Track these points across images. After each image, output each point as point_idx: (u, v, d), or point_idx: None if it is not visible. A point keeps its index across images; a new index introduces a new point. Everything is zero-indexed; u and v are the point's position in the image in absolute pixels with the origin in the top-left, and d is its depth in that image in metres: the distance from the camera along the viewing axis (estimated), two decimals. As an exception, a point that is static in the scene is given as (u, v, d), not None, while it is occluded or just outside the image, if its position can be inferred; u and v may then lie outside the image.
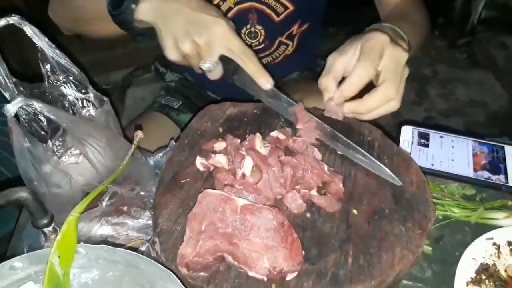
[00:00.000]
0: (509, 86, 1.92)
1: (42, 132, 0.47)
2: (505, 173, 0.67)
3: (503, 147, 0.71)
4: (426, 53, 2.14)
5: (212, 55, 0.60)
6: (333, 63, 0.60)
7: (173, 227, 0.50)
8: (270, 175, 0.52)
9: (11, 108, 0.40)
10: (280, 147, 0.56)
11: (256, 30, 0.90)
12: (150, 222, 0.56)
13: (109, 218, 0.54)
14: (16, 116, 0.43)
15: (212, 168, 0.55)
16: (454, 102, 1.84)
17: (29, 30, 0.47)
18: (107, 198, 0.51)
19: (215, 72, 0.62)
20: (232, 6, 0.86)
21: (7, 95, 0.46)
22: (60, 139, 0.49)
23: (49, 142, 0.47)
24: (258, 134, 0.56)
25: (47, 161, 0.45)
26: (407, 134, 0.73)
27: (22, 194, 0.40)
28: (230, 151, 0.56)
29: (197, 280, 0.45)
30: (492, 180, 0.67)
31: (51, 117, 0.41)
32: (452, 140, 0.73)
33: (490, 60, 2.06)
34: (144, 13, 0.61)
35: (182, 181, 0.54)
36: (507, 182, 0.66)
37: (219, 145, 0.57)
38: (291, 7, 0.87)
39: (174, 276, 0.39)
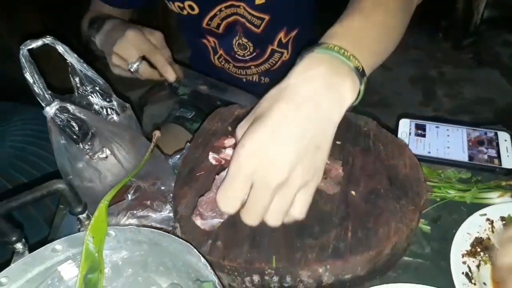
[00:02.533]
0: (515, 83, 1.95)
1: (74, 136, 0.54)
2: (499, 157, 0.72)
3: (496, 133, 0.76)
4: (432, 55, 2.18)
5: (130, 55, 0.74)
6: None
7: (191, 214, 0.56)
8: None
9: (49, 110, 0.48)
10: None
11: (243, 42, 0.98)
12: (171, 214, 0.63)
13: (134, 211, 0.61)
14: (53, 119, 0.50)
15: (223, 161, 0.62)
16: (462, 101, 1.87)
17: (61, 48, 0.55)
18: (132, 192, 0.58)
19: (143, 70, 0.75)
20: (220, 22, 0.95)
21: (43, 104, 0.54)
22: (89, 143, 0.56)
23: (80, 144, 0.54)
24: None
25: (80, 158, 0.53)
26: (405, 126, 0.79)
27: (60, 185, 0.47)
28: None
29: (214, 255, 0.51)
30: (487, 163, 0.71)
31: (82, 117, 0.48)
32: (447, 129, 0.78)
33: (495, 58, 2.09)
34: (98, 43, 0.82)
35: (197, 175, 0.61)
36: (501, 165, 0.71)
37: (229, 141, 0.63)
38: (266, 17, 0.93)
39: (193, 248, 0.45)
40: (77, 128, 0.55)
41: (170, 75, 0.76)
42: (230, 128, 0.68)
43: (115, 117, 0.61)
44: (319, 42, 0.49)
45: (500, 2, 2.22)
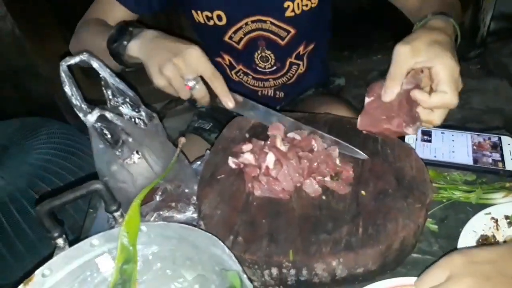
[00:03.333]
0: (523, 93, 1.97)
1: (108, 142, 0.60)
2: (502, 160, 0.75)
3: (499, 137, 0.80)
4: (440, 67, 2.21)
5: (191, 71, 0.69)
6: (405, 62, 0.65)
7: (214, 212, 0.61)
8: (290, 167, 0.63)
9: (91, 118, 0.53)
10: (298, 145, 0.67)
11: (266, 54, 1.03)
12: (194, 215, 0.68)
13: (161, 212, 0.66)
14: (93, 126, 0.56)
15: (242, 165, 0.67)
16: (470, 110, 1.90)
17: (96, 64, 0.61)
18: (160, 193, 0.63)
19: (199, 91, 0.71)
20: (243, 36, 0.99)
21: (81, 115, 0.60)
22: (120, 148, 0.61)
23: (115, 149, 0.60)
24: (278, 135, 0.68)
25: (114, 161, 0.58)
26: (411, 132, 0.83)
27: (97, 185, 0.53)
28: (255, 150, 0.67)
29: (236, 249, 0.55)
30: (491, 166, 0.75)
31: (119, 124, 0.54)
32: (452, 135, 0.82)
33: (502, 68, 2.12)
34: (133, 49, 0.74)
35: (218, 177, 0.66)
36: (505, 167, 0.74)
37: (247, 146, 0.68)
38: (292, 31, 0.98)
39: (218, 240, 0.50)
40: (109, 135, 0.60)
41: (231, 102, 0.73)
42: (247, 135, 0.73)
43: (143, 126, 0.67)
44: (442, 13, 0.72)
45: (506, 14, 2.26)
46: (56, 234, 0.53)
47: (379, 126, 0.68)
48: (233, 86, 1.14)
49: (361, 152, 0.66)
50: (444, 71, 0.63)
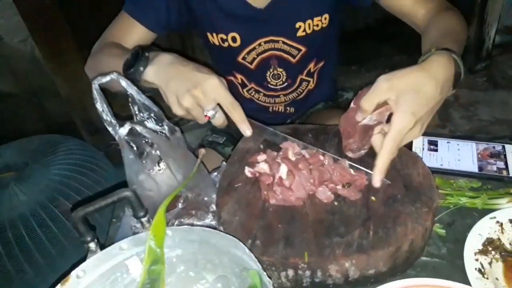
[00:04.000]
0: (530, 104, 2.00)
1: (136, 154, 0.65)
2: (507, 167, 0.79)
3: (503, 146, 0.83)
4: (447, 80, 2.25)
5: (210, 102, 0.70)
6: (379, 93, 0.65)
7: (232, 218, 0.65)
8: (302, 177, 0.67)
9: (123, 131, 0.58)
10: (308, 160, 0.71)
11: (278, 72, 1.08)
12: (212, 222, 0.72)
13: (182, 219, 0.70)
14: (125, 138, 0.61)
15: (257, 174, 0.71)
16: (478, 122, 1.93)
17: (124, 82, 0.66)
18: (182, 201, 0.68)
19: (217, 119, 0.73)
20: (256, 57, 1.04)
21: (110, 129, 0.65)
22: (146, 160, 0.66)
23: (142, 160, 0.65)
24: (290, 148, 0.72)
25: (142, 171, 0.63)
26: (418, 142, 0.87)
27: (127, 193, 0.57)
28: (269, 160, 0.71)
29: (254, 252, 0.59)
30: (495, 173, 0.78)
31: (148, 136, 0.59)
32: (458, 144, 0.85)
33: (509, 80, 2.15)
34: (150, 75, 0.73)
35: (235, 186, 0.70)
36: (509, 174, 0.78)
37: (261, 157, 0.73)
38: (303, 49, 1.03)
39: (239, 242, 0.54)
40: (135, 147, 0.65)
41: (249, 130, 0.74)
42: (262, 146, 0.78)
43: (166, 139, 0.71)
44: (440, 48, 0.71)
45: (510, 27, 2.31)
46: (89, 239, 0.57)
47: (346, 133, 0.72)
48: (244, 103, 1.19)
49: (370, 172, 0.67)
50: (395, 124, 0.63)
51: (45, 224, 1.47)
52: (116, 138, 0.66)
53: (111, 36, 0.99)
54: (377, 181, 0.66)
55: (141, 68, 0.73)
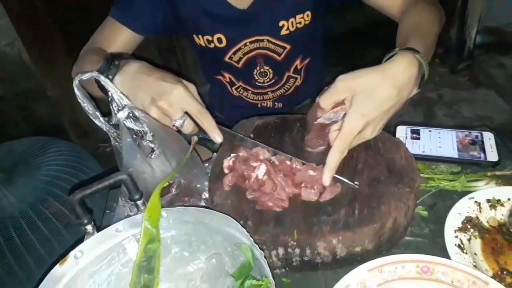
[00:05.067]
0: (511, 102, 2.06)
1: (133, 139, 0.67)
2: (484, 152, 0.83)
3: (481, 133, 0.88)
4: (431, 79, 2.30)
5: (177, 111, 0.69)
6: (333, 96, 0.67)
7: (224, 201, 0.68)
8: (281, 181, 0.68)
9: (122, 114, 0.61)
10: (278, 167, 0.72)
11: (265, 70, 1.11)
12: (204, 209, 0.74)
13: (175, 206, 0.72)
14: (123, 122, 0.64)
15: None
16: (461, 119, 1.97)
17: (103, 79, 0.68)
18: (175, 187, 0.70)
19: (187, 127, 0.72)
20: (242, 56, 1.07)
21: (96, 121, 0.68)
22: (140, 145, 0.68)
23: (137, 145, 0.67)
24: (260, 152, 0.73)
25: (138, 155, 0.65)
26: (402, 131, 0.91)
27: (123, 176, 0.59)
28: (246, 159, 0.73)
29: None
30: (474, 158, 0.82)
31: (145, 120, 0.61)
32: (439, 132, 0.90)
33: (490, 79, 2.21)
34: (117, 84, 0.71)
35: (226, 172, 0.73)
36: (486, 159, 0.82)
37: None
38: (288, 47, 1.06)
39: (231, 219, 0.56)
40: (134, 132, 0.68)
41: (219, 136, 0.74)
42: (252, 135, 0.81)
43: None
44: (404, 48, 0.71)
45: (490, 29, 2.38)
46: (86, 221, 0.59)
47: (308, 129, 0.74)
48: (233, 101, 1.22)
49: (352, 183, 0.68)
50: (345, 124, 0.66)
51: (34, 225, 1.47)
52: (104, 129, 0.68)
53: (98, 41, 0.99)
54: (326, 179, 0.66)
55: (110, 77, 0.72)
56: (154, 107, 0.69)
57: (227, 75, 1.14)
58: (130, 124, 0.63)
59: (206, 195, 0.76)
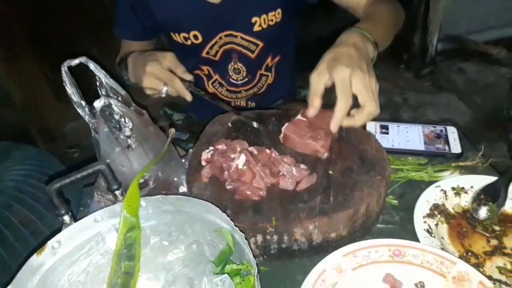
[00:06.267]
0: (471, 105, 2.18)
1: (110, 129, 0.67)
2: (448, 145, 0.88)
3: (445, 127, 0.93)
4: (396, 84, 2.42)
5: (157, 86, 0.89)
6: (316, 85, 0.76)
7: (203, 192, 0.69)
8: (260, 171, 0.70)
9: (98, 104, 0.61)
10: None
11: (238, 67, 1.14)
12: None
13: (153, 199, 0.72)
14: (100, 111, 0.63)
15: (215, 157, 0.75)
16: (426, 122, 2.08)
17: (92, 65, 0.68)
18: (153, 179, 0.70)
19: (170, 93, 0.90)
20: (218, 49, 1.10)
21: (80, 110, 0.67)
22: (121, 136, 0.68)
23: (115, 135, 0.67)
24: (238, 144, 0.75)
25: (115, 146, 0.65)
26: (371, 127, 0.94)
27: (101, 166, 0.59)
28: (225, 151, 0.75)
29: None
30: (439, 150, 0.87)
31: (120, 109, 0.61)
32: (406, 127, 0.94)
33: (451, 84, 2.34)
34: (130, 79, 0.98)
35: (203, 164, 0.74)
36: (450, 151, 0.86)
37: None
38: (261, 44, 1.10)
39: (212, 205, 0.57)
40: (112, 122, 0.68)
41: (188, 97, 0.90)
42: (230, 125, 0.83)
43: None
44: (354, 26, 0.84)
45: (451, 36, 2.52)
46: (63, 211, 0.59)
47: (302, 138, 0.76)
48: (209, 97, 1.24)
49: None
50: (337, 80, 0.73)
51: (-1, 232, 1.42)
52: (86, 119, 0.68)
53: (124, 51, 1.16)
54: (334, 127, 0.74)
55: (125, 77, 0.98)
56: (144, 88, 0.91)
57: (205, 68, 1.17)
58: (108, 113, 0.63)
59: (183, 188, 0.77)
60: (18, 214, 1.49)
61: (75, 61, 0.68)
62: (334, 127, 0.75)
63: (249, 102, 1.25)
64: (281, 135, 0.79)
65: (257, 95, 1.22)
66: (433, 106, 2.23)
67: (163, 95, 0.91)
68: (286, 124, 0.79)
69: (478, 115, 2.13)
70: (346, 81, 0.72)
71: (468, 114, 2.16)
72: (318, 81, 0.75)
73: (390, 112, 2.16)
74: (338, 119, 0.74)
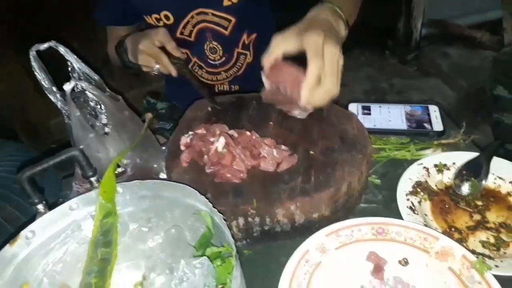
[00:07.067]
0: (455, 87, 2.20)
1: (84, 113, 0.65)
2: (430, 123, 0.88)
3: (427, 106, 0.92)
4: (382, 71, 2.42)
5: (149, 63, 0.93)
6: (276, 48, 0.70)
7: (182, 177, 0.68)
8: (240, 153, 0.68)
9: (68, 86, 0.59)
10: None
11: (214, 45, 1.13)
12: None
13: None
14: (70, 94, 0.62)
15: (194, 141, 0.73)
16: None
17: (62, 49, 0.66)
18: (131, 166, 0.69)
19: (162, 70, 0.94)
20: (192, 28, 1.10)
21: (51, 97, 0.65)
22: (97, 122, 0.67)
23: (90, 120, 0.65)
24: (217, 128, 0.73)
25: (89, 132, 0.63)
26: (353, 108, 0.94)
27: (75, 152, 0.58)
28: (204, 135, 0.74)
29: (205, 202, 0.62)
30: (421, 129, 0.87)
31: (92, 92, 0.59)
32: (388, 107, 0.94)
33: (436, 68, 2.34)
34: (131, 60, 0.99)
35: (183, 149, 0.73)
36: (432, 129, 0.86)
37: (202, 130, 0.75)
38: (233, 19, 1.09)
39: (190, 188, 0.56)
40: (85, 106, 0.66)
41: (173, 72, 0.93)
42: (210, 109, 0.83)
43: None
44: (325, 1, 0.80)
45: (435, 21, 2.52)
46: (36, 200, 0.57)
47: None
48: (190, 87, 1.22)
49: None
50: (310, 44, 0.66)
51: (-17, 230, 1.40)
52: (59, 105, 0.66)
53: (111, 47, 1.15)
54: (305, 93, 0.66)
55: (126, 59, 1.00)
56: (139, 54, 0.94)
57: (183, 51, 1.15)
58: (82, 100, 0.61)
59: (163, 175, 0.76)
60: (3, 211, 1.46)
61: (44, 45, 0.65)
62: (305, 93, 0.66)
63: (232, 86, 1.23)
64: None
65: (239, 77, 1.21)
66: (418, 90, 2.24)
67: (156, 73, 0.94)
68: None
69: (462, 97, 2.15)
70: (319, 46, 0.66)
71: (453, 97, 2.18)
72: (279, 43, 0.70)
73: (376, 98, 2.16)
74: (310, 84, 0.66)
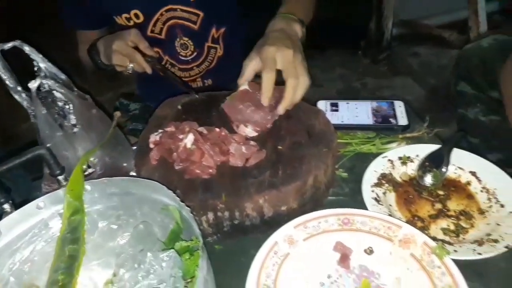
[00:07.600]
0: (424, 85, 2.27)
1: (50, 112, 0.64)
2: (395, 118, 0.91)
3: (392, 102, 0.96)
4: (355, 70, 2.48)
5: (123, 62, 0.98)
6: (245, 69, 0.83)
7: (152, 175, 0.68)
8: (209, 149, 0.70)
9: (33, 85, 0.59)
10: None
11: (184, 41, 1.15)
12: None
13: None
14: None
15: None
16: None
17: (27, 48, 0.66)
18: (100, 165, 0.69)
19: (136, 68, 0.99)
20: (162, 26, 1.11)
21: (16, 96, 0.65)
22: (65, 121, 0.66)
23: (57, 119, 0.65)
24: (186, 126, 0.74)
25: (56, 130, 0.63)
26: (322, 105, 0.96)
27: (41, 151, 0.58)
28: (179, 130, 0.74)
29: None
30: (387, 123, 0.90)
31: (59, 91, 0.59)
32: (355, 104, 0.96)
33: (407, 67, 2.41)
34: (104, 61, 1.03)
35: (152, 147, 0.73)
36: (397, 123, 0.89)
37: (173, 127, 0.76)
38: (201, 14, 1.11)
39: (158, 184, 0.57)
40: (52, 105, 0.66)
41: (148, 69, 0.98)
42: (180, 108, 0.84)
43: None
44: (278, 12, 0.94)
45: (405, 21, 2.60)
46: (2, 200, 0.57)
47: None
48: (164, 86, 1.22)
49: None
50: (262, 58, 0.79)
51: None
52: (24, 105, 0.66)
53: (83, 43, 1.16)
54: (265, 100, 0.78)
55: (99, 61, 1.05)
56: (113, 55, 0.97)
57: (155, 49, 1.16)
58: (50, 100, 0.61)
59: (133, 174, 0.76)
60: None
61: (8, 45, 0.65)
62: (264, 100, 0.78)
63: (205, 81, 1.25)
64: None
65: (211, 71, 1.22)
66: (389, 88, 2.30)
67: (130, 71, 0.98)
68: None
69: (431, 94, 2.22)
70: (269, 58, 0.78)
71: (422, 95, 2.24)
72: (247, 66, 0.82)
73: (349, 97, 2.21)
74: (266, 92, 0.78)
